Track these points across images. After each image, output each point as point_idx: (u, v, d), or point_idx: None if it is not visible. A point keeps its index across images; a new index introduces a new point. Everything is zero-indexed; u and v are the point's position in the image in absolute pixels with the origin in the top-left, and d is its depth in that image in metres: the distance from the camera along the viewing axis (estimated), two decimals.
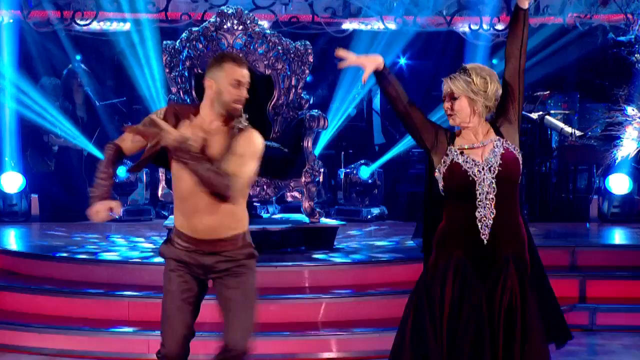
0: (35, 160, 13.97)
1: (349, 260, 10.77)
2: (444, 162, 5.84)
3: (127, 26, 14.69)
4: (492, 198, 5.78)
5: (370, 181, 13.93)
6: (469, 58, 14.17)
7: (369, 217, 13.93)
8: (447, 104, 5.96)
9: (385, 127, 15.46)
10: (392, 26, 14.83)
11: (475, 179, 5.74)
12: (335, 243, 11.04)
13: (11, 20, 14.25)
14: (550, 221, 13.52)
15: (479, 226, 5.77)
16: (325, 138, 13.40)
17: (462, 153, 5.83)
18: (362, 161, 14.13)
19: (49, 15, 14.47)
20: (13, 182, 13.06)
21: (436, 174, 5.92)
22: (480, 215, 5.76)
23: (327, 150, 13.80)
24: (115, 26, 14.83)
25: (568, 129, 14.13)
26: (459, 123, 5.93)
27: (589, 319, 10.25)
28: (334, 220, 11.78)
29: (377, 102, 15.94)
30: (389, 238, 12.52)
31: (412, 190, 14.77)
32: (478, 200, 5.76)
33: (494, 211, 5.78)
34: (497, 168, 5.74)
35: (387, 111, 15.52)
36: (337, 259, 10.72)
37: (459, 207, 5.87)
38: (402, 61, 16.48)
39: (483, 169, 5.77)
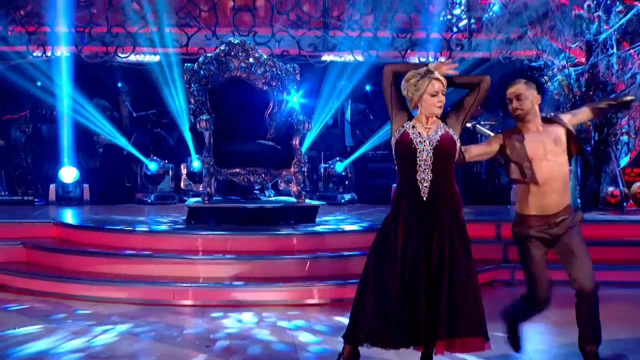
0: (86, 158, 13.90)
1: (328, 230, 10.81)
2: (399, 130, 6.03)
3: (157, 58, 14.69)
4: (430, 165, 5.95)
5: (343, 174, 13.96)
6: None
7: (342, 201, 13.94)
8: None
9: (354, 132, 15.26)
10: (359, 58, 14.80)
11: (417, 147, 5.93)
12: (317, 219, 11.04)
13: (69, 54, 14.23)
14: (481, 204, 13.54)
15: (420, 186, 5.92)
16: (308, 140, 13.28)
17: (413, 127, 6.00)
18: (337, 158, 14.15)
19: (97, 50, 14.50)
20: (69, 174, 13.11)
21: (392, 140, 6.11)
22: (420, 177, 5.91)
23: (310, 152, 13.65)
24: (148, 58, 14.81)
25: (493, 134, 14.13)
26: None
27: (510, 275, 10.32)
28: (316, 202, 11.74)
29: (348, 113, 15.74)
30: (357, 216, 12.54)
31: (374, 181, 14.76)
32: (418, 165, 5.91)
33: (431, 175, 5.93)
34: (435, 142, 5.93)
35: (355, 120, 15.35)
36: (319, 229, 10.74)
37: (406, 170, 5.99)
38: (368, 87, 16.03)
39: (424, 141, 5.97)
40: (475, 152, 6.64)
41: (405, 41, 14.86)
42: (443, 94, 6.10)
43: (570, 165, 11.31)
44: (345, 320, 6.40)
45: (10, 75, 14.29)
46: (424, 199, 5.94)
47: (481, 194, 14.53)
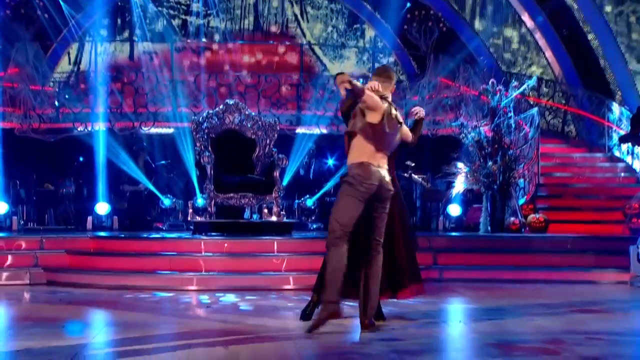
0: (116, 197, 13.74)
1: (300, 237, 10.87)
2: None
3: (171, 130, 14.77)
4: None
5: (312, 207, 13.84)
6: None
7: (312, 227, 13.67)
8: None
9: (318, 178, 15.09)
10: (325, 131, 14.88)
11: None
12: (292, 233, 10.91)
13: (104, 128, 14.25)
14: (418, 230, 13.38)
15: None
16: (287, 179, 13.09)
17: None
18: (307, 196, 13.98)
19: (126, 125, 14.56)
20: (103, 208, 12.94)
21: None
22: None
23: (287, 193, 13.30)
24: (164, 130, 14.89)
25: (423, 182, 14.14)
26: None
27: (439, 275, 10.14)
28: (292, 220, 11.73)
29: (313, 165, 15.49)
30: (320, 234, 12.33)
31: None
32: None
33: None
34: None
35: (317, 171, 15.30)
36: (294, 236, 10.71)
37: None
38: (330, 162, 15.76)
39: None
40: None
41: None
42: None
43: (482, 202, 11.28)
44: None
45: (61, 143, 14.35)
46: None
47: (413, 213, 14.20)
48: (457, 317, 7.49)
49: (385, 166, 5.86)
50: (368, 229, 5.88)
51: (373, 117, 5.68)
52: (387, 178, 5.82)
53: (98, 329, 6.47)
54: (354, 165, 5.73)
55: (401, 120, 5.95)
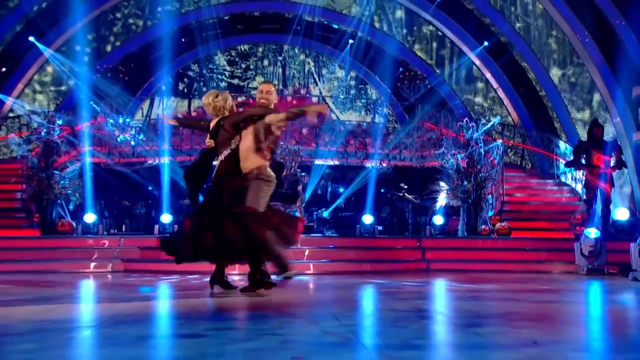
0: (177, 210, 13.64)
1: (318, 236, 11.01)
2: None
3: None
4: None
5: (328, 217, 13.72)
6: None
7: (327, 233, 13.19)
8: None
9: (332, 196, 14.92)
10: (336, 162, 14.85)
11: None
12: (312, 233, 10.94)
13: (168, 161, 14.24)
14: (406, 230, 13.31)
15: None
16: (308, 193, 13.02)
17: None
18: (323, 209, 13.91)
19: (184, 158, 14.51)
20: (167, 218, 12.67)
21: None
22: None
23: (308, 206, 13.14)
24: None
25: (413, 199, 14.05)
26: None
27: (426, 266, 10.09)
28: (311, 223, 11.71)
29: (329, 186, 15.26)
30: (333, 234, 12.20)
31: (344, 222, 14.16)
32: None
33: None
34: None
35: (331, 192, 15.03)
36: (313, 235, 10.77)
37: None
38: (340, 186, 15.51)
39: None
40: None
41: (362, 154, 14.95)
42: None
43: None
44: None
45: (135, 173, 14.42)
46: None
47: (405, 223, 14.13)
48: (441, 285, 7.48)
49: None
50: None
51: (279, 132, 5.73)
52: None
53: (163, 292, 6.47)
54: (264, 167, 5.62)
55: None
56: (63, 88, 18.13)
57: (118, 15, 18.84)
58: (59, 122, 13.48)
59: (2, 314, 4.63)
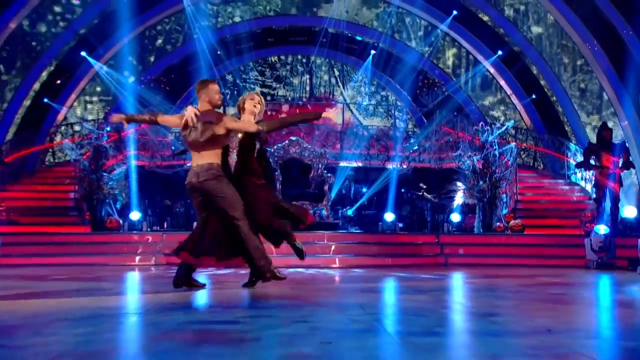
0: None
1: (343, 232, 10.87)
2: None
3: None
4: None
5: (352, 215, 13.64)
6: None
7: (351, 230, 12.94)
8: None
9: (356, 196, 14.82)
10: (360, 164, 14.78)
11: None
12: (338, 229, 10.92)
13: None
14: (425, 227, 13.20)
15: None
16: (334, 193, 12.78)
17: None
18: (348, 207, 13.84)
19: None
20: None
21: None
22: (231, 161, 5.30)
23: (333, 205, 12.93)
24: None
25: (432, 199, 13.91)
26: None
27: (444, 260, 10.01)
28: (337, 221, 11.66)
29: (352, 187, 15.17)
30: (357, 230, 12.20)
31: (367, 219, 14.01)
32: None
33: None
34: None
35: (354, 191, 14.87)
36: (339, 231, 10.67)
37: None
38: (363, 186, 15.42)
39: None
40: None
41: (384, 156, 14.89)
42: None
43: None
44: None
45: (176, 175, 14.49)
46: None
47: (424, 220, 13.97)
48: (458, 278, 7.40)
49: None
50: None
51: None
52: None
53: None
54: (218, 166, 5.05)
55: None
56: (110, 98, 18.38)
57: (160, 30, 19.05)
58: (107, 128, 13.66)
59: (57, 302, 4.72)
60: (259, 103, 5.35)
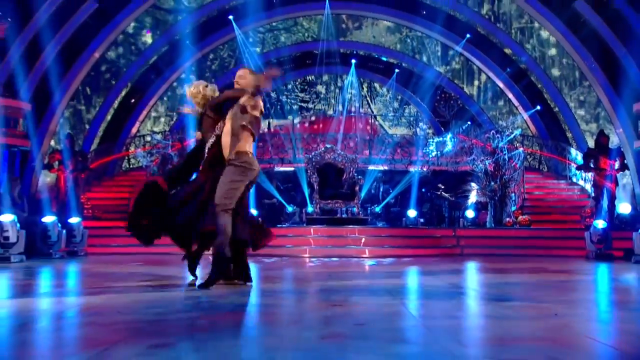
0: (259, 208, 13.61)
1: (372, 227, 10.80)
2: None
3: (292, 168, 14.56)
4: None
5: (379, 212, 13.51)
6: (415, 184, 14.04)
7: (379, 225, 12.77)
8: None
9: (384, 194, 14.51)
10: (386, 167, 14.65)
11: None
12: (367, 224, 10.77)
13: None
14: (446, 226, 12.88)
15: None
16: (363, 192, 12.70)
17: None
18: (376, 205, 13.68)
19: (266, 166, 14.41)
20: (253, 212, 12.87)
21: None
22: None
23: (363, 203, 12.85)
24: (288, 169, 14.71)
25: (449, 197, 13.67)
26: None
27: (460, 251, 9.86)
28: (366, 217, 11.55)
29: (381, 187, 14.72)
30: (384, 225, 12.02)
31: (394, 215, 13.69)
32: None
33: None
34: None
35: (382, 191, 14.50)
36: (368, 226, 10.59)
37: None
38: (389, 186, 14.90)
39: None
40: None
41: (407, 161, 14.73)
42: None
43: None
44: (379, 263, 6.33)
45: None
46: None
47: (442, 216, 13.73)
48: (473, 267, 7.27)
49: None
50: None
51: (257, 112, 4.35)
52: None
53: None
54: (242, 154, 4.31)
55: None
56: (175, 113, 18.69)
57: (215, 55, 19.28)
58: (172, 139, 13.88)
59: (134, 285, 4.79)
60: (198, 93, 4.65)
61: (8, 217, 7.72)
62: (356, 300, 3.90)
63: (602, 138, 10.79)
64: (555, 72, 17.18)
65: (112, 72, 17.07)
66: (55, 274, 6.25)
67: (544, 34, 17.19)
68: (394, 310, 3.44)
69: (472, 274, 6.41)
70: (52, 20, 13.20)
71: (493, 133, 12.66)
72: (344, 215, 11.15)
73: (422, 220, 13.08)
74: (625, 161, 11.07)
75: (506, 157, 12.21)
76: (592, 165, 10.75)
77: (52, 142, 14.38)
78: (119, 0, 14.95)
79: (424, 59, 19.38)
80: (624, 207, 11.20)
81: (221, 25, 17.23)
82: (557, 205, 13.35)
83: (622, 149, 11.67)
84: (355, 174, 11.04)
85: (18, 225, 7.79)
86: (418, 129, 18.51)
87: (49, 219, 8.63)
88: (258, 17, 16.93)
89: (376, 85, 20.26)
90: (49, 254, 8.45)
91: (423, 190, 14.12)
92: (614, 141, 13.74)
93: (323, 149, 11.35)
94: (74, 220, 9.30)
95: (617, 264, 8.26)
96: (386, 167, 14.61)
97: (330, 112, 19.77)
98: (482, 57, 17.63)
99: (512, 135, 12.56)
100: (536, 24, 16.88)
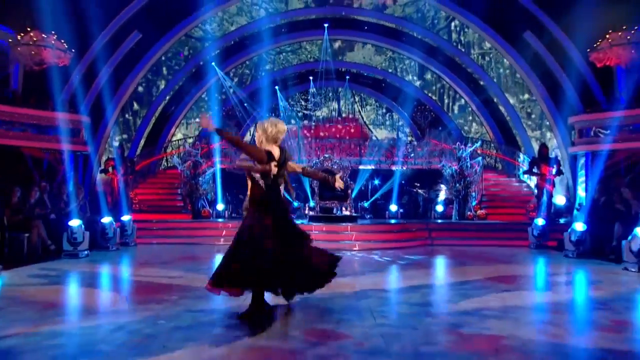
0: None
1: (363, 223, 10.61)
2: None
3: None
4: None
5: (368, 207, 13.49)
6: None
7: (367, 217, 12.78)
8: None
9: (373, 191, 14.30)
10: (374, 167, 14.61)
11: None
12: (358, 221, 10.77)
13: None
14: (421, 220, 13.17)
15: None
16: (355, 192, 12.83)
17: None
18: (364, 200, 13.62)
19: None
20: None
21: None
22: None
23: (355, 199, 12.85)
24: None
25: (424, 193, 13.88)
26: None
27: (431, 242, 10.08)
28: (357, 214, 11.59)
29: (369, 184, 14.57)
30: (373, 222, 12.00)
31: (381, 211, 13.47)
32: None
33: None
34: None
35: (370, 188, 14.40)
36: (359, 222, 10.54)
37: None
38: (377, 183, 14.70)
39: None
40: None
41: (390, 161, 14.79)
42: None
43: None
44: (367, 254, 6.61)
45: (244, 175, 14.66)
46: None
47: (418, 208, 13.78)
48: (441, 257, 7.61)
49: None
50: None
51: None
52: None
53: None
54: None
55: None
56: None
57: (235, 72, 19.49)
58: (200, 143, 14.11)
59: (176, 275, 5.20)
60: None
61: (76, 222, 7.97)
62: (381, 300, 4.24)
63: (543, 149, 11.23)
64: (509, 88, 17.49)
65: (156, 88, 17.28)
66: (118, 260, 6.67)
67: (500, 58, 17.45)
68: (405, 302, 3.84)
69: (440, 263, 6.74)
70: (104, 48, 13.47)
71: (458, 144, 12.99)
72: (338, 214, 11.23)
73: (401, 211, 13.17)
74: (562, 167, 11.49)
75: (469, 163, 12.54)
76: (535, 171, 11.19)
77: (107, 147, 14.68)
78: (157, 31, 15.18)
79: (405, 75, 19.65)
80: (559, 199, 11.65)
81: (240, 49, 17.48)
82: (508, 199, 13.74)
83: (559, 158, 12.07)
84: (348, 179, 11.28)
85: (83, 227, 8.08)
86: (400, 133, 18.79)
87: (106, 219, 8.90)
88: (270, 42, 17.21)
89: (366, 96, 20.58)
90: (106, 247, 8.75)
91: (402, 182, 14.25)
92: (553, 145, 14.15)
93: (322, 157, 11.55)
94: (125, 218, 9.56)
95: (552, 253, 8.75)
96: (374, 167, 14.83)
97: (329, 117, 20.04)
98: (451, 76, 17.92)
99: (473, 147, 12.91)
100: (494, 50, 17.13)
